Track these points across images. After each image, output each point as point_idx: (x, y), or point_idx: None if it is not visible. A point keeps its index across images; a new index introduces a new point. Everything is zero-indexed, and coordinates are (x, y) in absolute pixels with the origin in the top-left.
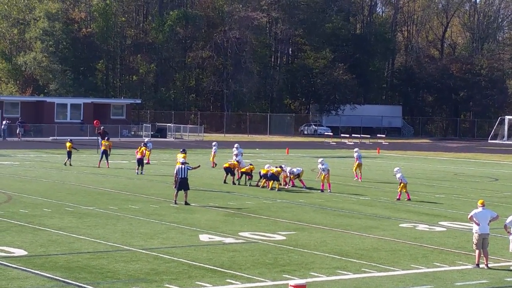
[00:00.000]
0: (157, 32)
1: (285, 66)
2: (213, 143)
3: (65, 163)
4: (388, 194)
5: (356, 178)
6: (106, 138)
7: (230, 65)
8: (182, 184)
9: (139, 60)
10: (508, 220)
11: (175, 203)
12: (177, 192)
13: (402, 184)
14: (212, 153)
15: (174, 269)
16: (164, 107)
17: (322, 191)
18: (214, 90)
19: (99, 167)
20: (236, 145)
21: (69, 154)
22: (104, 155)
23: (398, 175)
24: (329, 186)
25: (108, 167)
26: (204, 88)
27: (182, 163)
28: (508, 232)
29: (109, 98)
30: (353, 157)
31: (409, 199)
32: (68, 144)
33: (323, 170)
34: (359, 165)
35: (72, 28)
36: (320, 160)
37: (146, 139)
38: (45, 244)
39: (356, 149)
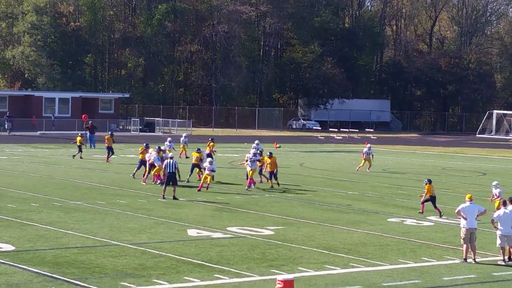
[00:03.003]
0: (146, 26)
1: (273, 60)
2: (183, 135)
3: (74, 156)
4: (376, 188)
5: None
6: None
7: (219, 59)
8: (170, 178)
9: (128, 54)
10: (495, 215)
11: (163, 197)
12: (165, 187)
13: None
14: (181, 145)
15: (162, 264)
16: (152, 101)
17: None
18: (203, 84)
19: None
20: (256, 141)
21: (80, 148)
22: (109, 151)
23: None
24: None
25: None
26: (193, 82)
27: (171, 158)
28: (495, 227)
29: (98, 92)
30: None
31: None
32: (78, 139)
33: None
34: (367, 160)
35: (60, 22)
36: (254, 147)
37: (168, 139)
38: (32, 239)
39: (368, 145)
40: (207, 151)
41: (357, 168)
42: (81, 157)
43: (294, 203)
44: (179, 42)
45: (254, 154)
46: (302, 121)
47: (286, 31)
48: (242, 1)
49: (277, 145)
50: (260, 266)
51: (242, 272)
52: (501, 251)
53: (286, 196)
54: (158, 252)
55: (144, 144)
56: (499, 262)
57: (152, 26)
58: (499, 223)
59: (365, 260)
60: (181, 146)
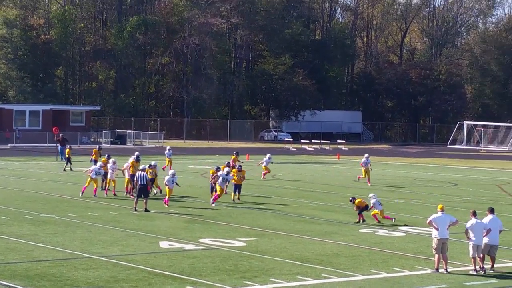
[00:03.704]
0: (117, 39)
1: (245, 72)
2: (167, 148)
3: (64, 168)
4: (348, 199)
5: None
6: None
7: (190, 71)
8: (141, 191)
9: (99, 66)
10: (468, 225)
11: (135, 210)
12: (137, 199)
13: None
14: (167, 158)
15: (134, 276)
16: (123, 113)
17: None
18: (174, 96)
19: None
20: (268, 155)
21: (68, 159)
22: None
23: (373, 201)
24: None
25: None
26: (164, 95)
27: (142, 170)
28: (468, 238)
29: (68, 105)
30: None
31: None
32: (67, 150)
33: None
34: (366, 171)
35: (31, 35)
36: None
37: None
38: (3, 252)
39: (366, 155)
40: (232, 163)
41: (358, 177)
42: (71, 169)
43: (266, 214)
44: (150, 55)
45: (227, 173)
46: (274, 132)
47: (257, 43)
48: (213, 13)
49: (265, 162)
50: (233, 278)
51: (215, 284)
52: (472, 260)
53: (258, 207)
54: (130, 264)
55: (106, 155)
56: (470, 272)
57: (123, 39)
58: (471, 233)
59: (337, 271)
60: (166, 159)
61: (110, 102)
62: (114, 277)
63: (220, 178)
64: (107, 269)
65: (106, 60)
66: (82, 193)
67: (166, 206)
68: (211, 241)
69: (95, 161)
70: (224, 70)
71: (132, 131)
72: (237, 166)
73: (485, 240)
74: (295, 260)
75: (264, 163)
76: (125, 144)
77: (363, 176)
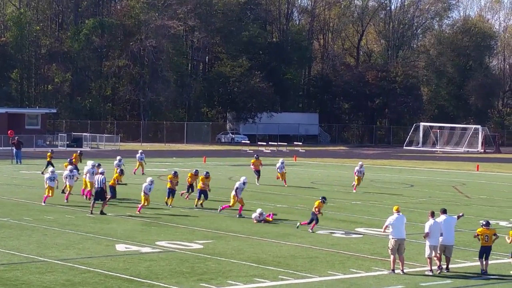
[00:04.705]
0: (73, 41)
1: (202, 75)
2: (139, 151)
3: (43, 172)
4: (305, 201)
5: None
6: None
7: (147, 74)
8: (98, 194)
9: (55, 69)
10: (427, 225)
11: (91, 213)
12: (93, 202)
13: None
14: (138, 161)
15: (90, 280)
16: (80, 116)
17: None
18: (131, 99)
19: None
20: (281, 159)
21: (49, 163)
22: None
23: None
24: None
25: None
26: (121, 97)
27: (101, 173)
28: (425, 236)
29: (24, 108)
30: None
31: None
32: (48, 154)
33: None
34: (358, 179)
35: None
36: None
37: (118, 157)
38: None
39: (360, 163)
40: (254, 168)
41: (353, 187)
42: (42, 172)
43: (223, 216)
44: (106, 57)
45: (244, 183)
46: (231, 135)
47: (214, 46)
48: (170, 16)
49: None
50: (189, 280)
51: (171, 287)
52: (428, 261)
53: (216, 210)
54: (86, 267)
55: (97, 164)
56: (426, 273)
57: (79, 41)
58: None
59: (295, 272)
60: (138, 162)
61: (66, 105)
62: (70, 280)
63: (237, 188)
64: (63, 272)
65: (62, 63)
66: (66, 200)
67: (138, 213)
68: (168, 244)
69: (76, 166)
70: (181, 72)
71: (89, 134)
72: (205, 172)
73: (440, 240)
74: (252, 262)
75: (279, 170)
76: (81, 147)
77: (357, 184)
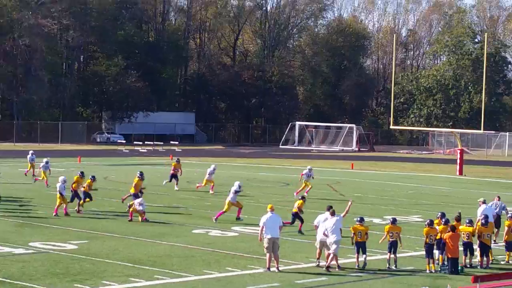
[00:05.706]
0: None
1: (77, 74)
2: (30, 152)
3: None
4: (182, 200)
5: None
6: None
7: (20, 73)
8: None
9: None
10: (315, 221)
11: None
12: None
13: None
14: (29, 163)
15: None
16: None
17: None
18: (4, 98)
19: None
20: (309, 167)
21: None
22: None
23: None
24: None
25: None
26: None
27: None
28: (316, 226)
29: None
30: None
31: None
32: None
33: None
34: (306, 183)
35: None
36: None
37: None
38: None
39: (309, 167)
40: (172, 171)
41: (295, 193)
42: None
43: (99, 217)
44: None
45: (240, 186)
46: (106, 134)
47: (89, 45)
48: (44, 14)
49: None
50: (63, 281)
51: None
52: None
53: (91, 210)
54: None
55: (91, 177)
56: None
57: None
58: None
59: (170, 272)
60: (29, 163)
61: None
62: None
63: (232, 194)
64: None
65: None
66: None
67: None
68: (41, 245)
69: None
70: (56, 71)
71: None
72: (91, 176)
73: (321, 237)
74: (128, 262)
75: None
76: None
77: (301, 189)
